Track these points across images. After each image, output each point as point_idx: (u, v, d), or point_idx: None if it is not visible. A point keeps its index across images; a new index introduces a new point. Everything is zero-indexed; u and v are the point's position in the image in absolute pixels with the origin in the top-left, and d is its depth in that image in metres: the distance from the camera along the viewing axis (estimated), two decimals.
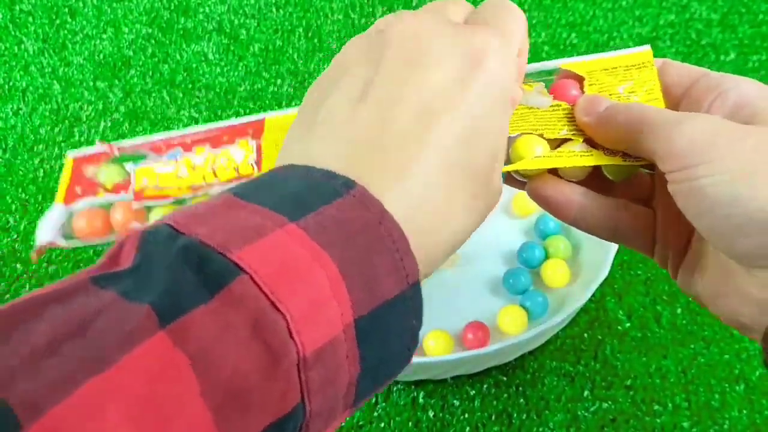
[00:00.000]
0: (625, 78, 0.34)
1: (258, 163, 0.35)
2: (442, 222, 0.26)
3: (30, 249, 0.54)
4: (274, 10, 0.69)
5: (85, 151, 0.36)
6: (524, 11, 0.70)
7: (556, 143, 0.34)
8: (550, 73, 0.36)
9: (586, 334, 0.48)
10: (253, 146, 0.35)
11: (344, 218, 0.23)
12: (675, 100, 0.33)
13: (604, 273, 0.46)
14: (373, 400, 0.46)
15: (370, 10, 0.69)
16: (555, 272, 0.49)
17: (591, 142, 0.33)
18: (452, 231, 0.26)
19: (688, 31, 0.66)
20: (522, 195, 0.54)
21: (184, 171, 0.35)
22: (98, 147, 0.36)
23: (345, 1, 0.69)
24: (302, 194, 0.23)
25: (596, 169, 0.34)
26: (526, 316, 0.47)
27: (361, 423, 0.45)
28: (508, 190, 0.55)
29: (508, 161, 0.34)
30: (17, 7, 0.71)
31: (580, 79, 0.35)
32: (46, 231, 0.34)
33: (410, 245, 0.24)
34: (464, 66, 0.27)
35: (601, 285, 0.48)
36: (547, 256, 0.51)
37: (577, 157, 0.33)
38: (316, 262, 0.21)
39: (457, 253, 0.51)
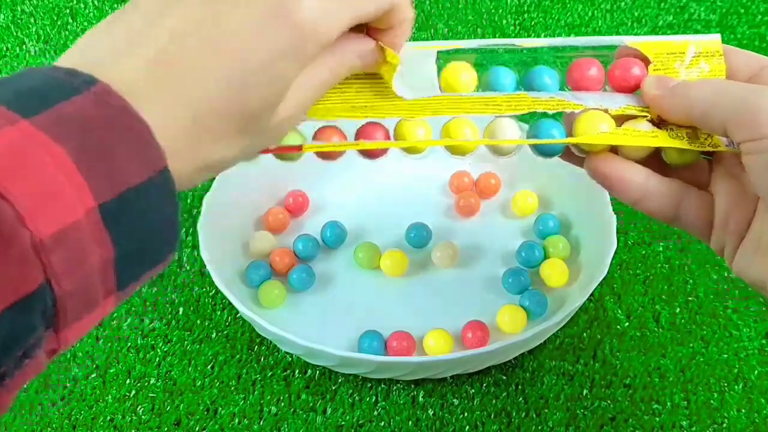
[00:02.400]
0: (691, 65, 0.34)
1: None
2: (196, 144, 0.26)
3: None
4: None
5: None
6: (524, 12, 0.71)
7: (620, 121, 0.33)
8: (610, 48, 0.35)
9: (585, 334, 0.48)
10: None
11: (81, 114, 0.23)
12: None
13: (603, 272, 0.46)
14: (373, 398, 0.46)
15: None
16: (554, 272, 0.50)
17: (655, 123, 0.33)
18: (207, 156, 0.27)
19: (687, 32, 0.66)
20: (521, 195, 0.54)
21: None
22: None
23: None
24: (40, 90, 0.24)
25: (655, 151, 0.34)
26: (525, 315, 0.48)
27: (361, 422, 0.45)
28: (507, 191, 0.55)
29: (570, 134, 0.33)
30: (19, 8, 0.72)
31: (642, 59, 0.34)
32: None
33: (156, 139, 0.24)
34: (264, 10, 0.27)
35: (600, 284, 0.48)
36: (546, 256, 0.51)
37: (643, 137, 0.32)
38: (47, 155, 0.22)
39: (457, 252, 0.51)
